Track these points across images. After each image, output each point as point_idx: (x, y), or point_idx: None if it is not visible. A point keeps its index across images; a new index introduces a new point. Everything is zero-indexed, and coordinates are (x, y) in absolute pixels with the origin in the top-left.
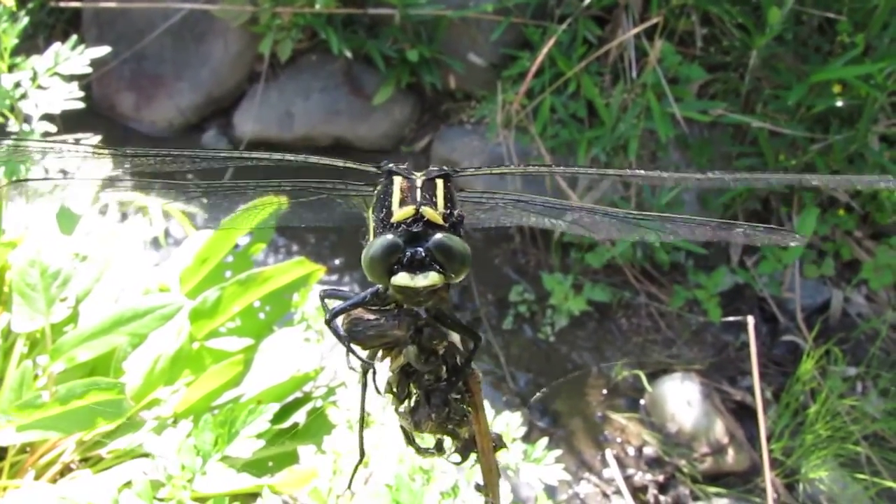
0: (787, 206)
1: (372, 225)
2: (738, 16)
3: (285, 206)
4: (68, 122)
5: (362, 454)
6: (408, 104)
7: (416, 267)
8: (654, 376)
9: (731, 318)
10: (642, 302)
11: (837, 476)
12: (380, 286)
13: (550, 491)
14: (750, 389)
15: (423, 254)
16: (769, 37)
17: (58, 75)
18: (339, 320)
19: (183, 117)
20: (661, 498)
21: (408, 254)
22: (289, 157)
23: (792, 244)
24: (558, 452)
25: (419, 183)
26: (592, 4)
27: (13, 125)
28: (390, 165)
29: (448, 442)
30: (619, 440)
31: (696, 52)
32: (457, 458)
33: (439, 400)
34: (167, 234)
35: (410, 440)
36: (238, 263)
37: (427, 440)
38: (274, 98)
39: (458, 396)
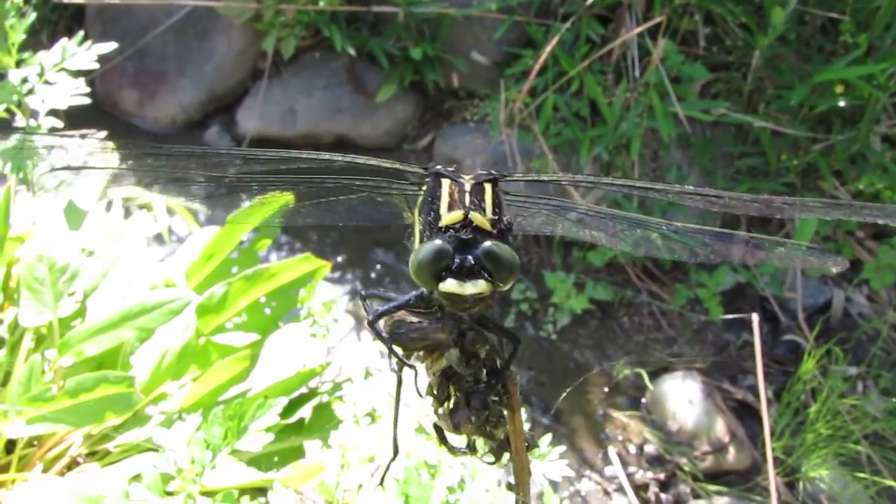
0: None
1: (418, 227)
2: (741, 15)
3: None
4: (72, 119)
5: (396, 451)
6: (411, 102)
7: (464, 274)
8: (655, 375)
9: (732, 317)
10: (644, 300)
11: (838, 475)
12: (424, 290)
13: (553, 488)
14: (751, 388)
15: (472, 261)
16: (772, 37)
17: (65, 71)
18: (382, 322)
19: (186, 114)
20: (662, 496)
21: (457, 261)
22: (337, 157)
23: (834, 270)
24: (562, 448)
25: (468, 187)
26: (596, 3)
27: (20, 120)
28: (438, 167)
29: (480, 442)
30: (620, 438)
31: (698, 52)
32: (490, 458)
33: (479, 402)
34: (170, 230)
35: (444, 440)
36: (244, 259)
37: (460, 440)
38: (277, 95)
39: (496, 398)
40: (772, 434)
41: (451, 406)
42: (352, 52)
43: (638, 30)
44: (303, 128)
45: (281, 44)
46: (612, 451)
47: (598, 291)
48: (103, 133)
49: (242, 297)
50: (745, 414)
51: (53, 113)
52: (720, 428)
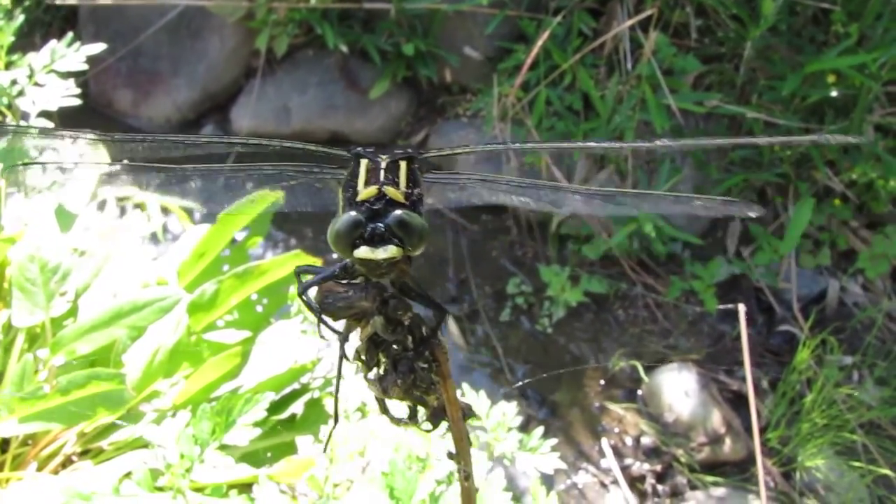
0: (782, 197)
1: (340, 204)
2: (732, 7)
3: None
4: (66, 120)
5: (336, 419)
6: (404, 98)
7: (376, 241)
8: (651, 367)
9: (727, 307)
10: (639, 293)
11: (833, 464)
12: (347, 261)
13: (547, 480)
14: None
15: (383, 228)
16: (763, 27)
17: (54, 72)
18: (312, 293)
19: (180, 113)
20: (659, 487)
21: (369, 229)
22: (263, 141)
23: (752, 215)
24: (554, 441)
25: (383, 165)
26: None
27: (10, 123)
28: (358, 149)
29: (421, 412)
30: (616, 430)
31: (690, 44)
32: (428, 426)
33: (406, 368)
34: (165, 229)
35: (385, 409)
36: (235, 257)
37: (402, 410)
38: (270, 93)
39: (426, 366)
40: (768, 424)
41: (380, 372)
42: (344, 49)
43: (629, 22)
44: (297, 125)
45: (274, 42)
46: (606, 443)
47: (592, 284)
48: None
49: (234, 295)
50: (741, 405)
51: (46, 114)
52: (716, 419)
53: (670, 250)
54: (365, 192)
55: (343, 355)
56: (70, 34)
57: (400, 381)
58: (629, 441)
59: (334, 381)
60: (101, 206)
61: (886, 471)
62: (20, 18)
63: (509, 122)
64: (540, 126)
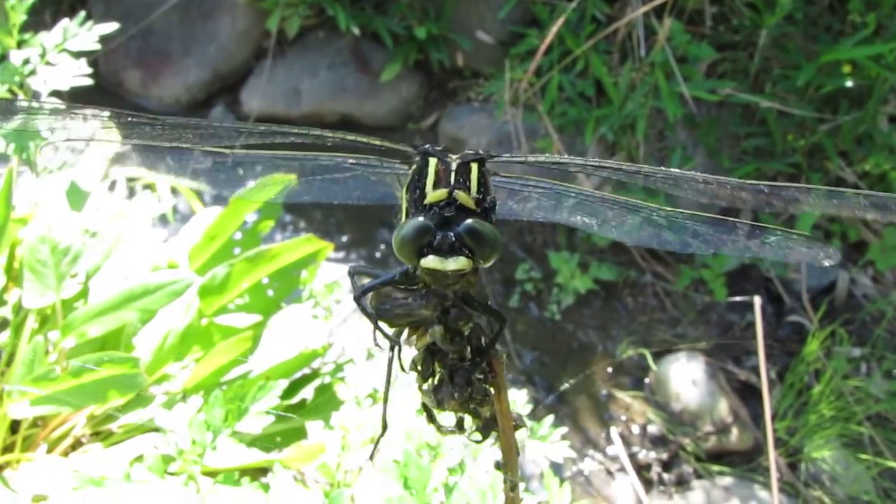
0: None
1: (405, 205)
2: None
3: (309, 181)
4: (76, 99)
5: (385, 427)
6: (415, 81)
7: (445, 251)
8: (659, 355)
9: (736, 298)
10: (648, 281)
11: (840, 456)
12: (409, 267)
13: (556, 468)
14: (754, 369)
15: (454, 238)
16: (779, 16)
17: (66, 52)
18: (368, 298)
19: (190, 94)
20: (665, 476)
21: (438, 237)
22: (328, 133)
23: (826, 263)
24: (564, 430)
25: (454, 166)
26: None
27: (22, 102)
28: (426, 146)
29: (469, 421)
30: (623, 418)
31: (705, 31)
32: (477, 437)
33: (462, 379)
34: (175, 211)
35: (432, 418)
36: (246, 240)
37: (449, 419)
38: (281, 75)
39: (482, 377)
40: (775, 415)
41: (435, 382)
42: (356, 31)
43: (644, 9)
44: (307, 108)
45: (285, 23)
46: (614, 431)
47: (602, 272)
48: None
49: (244, 279)
50: (749, 395)
51: (56, 94)
52: (723, 409)
53: None
54: (434, 195)
55: (398, 364)
56: (82, 13)
57: (457, 393)
58: (636, 429)
59: (383, 389)
60: (112, 186)
61: (892, 463)
62: None
63: (521, 107)
64: (552, 112)
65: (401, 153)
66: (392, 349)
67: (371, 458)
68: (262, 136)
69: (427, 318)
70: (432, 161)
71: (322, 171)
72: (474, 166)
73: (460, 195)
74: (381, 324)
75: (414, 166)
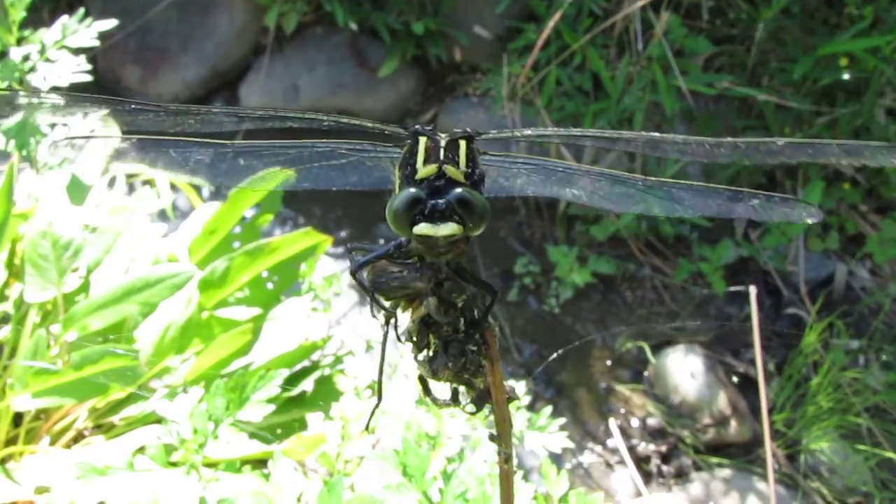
0: (792, 180)
1: (397, 182)
2: None
3: (306, 168)
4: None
5: (380, 398)
6: (413, 77)
7: (436, 217)
8: (657, 348)
9: (734, 289)
10: (647, 274)
11: (838, 447)
12: (403, 239)
13: (554, 459)
14: (753, 362)
15: (444, 205)
16: (776, 9)
17: (65, 48)
18: (364, 272)
19: (189, 90)
20: (664, 468)
21: (429, 205)
22: (321, 116)
23: (809, 221)
24: (562, 421)
25: (443, 143)
26: None
27: (23, 92)
28: (416, 126)
29: (463, 394)
30: (622, 411)
31: (702, 25)
32: (471, 408)
33: (456, 350)
34: (174, 206)
35: (428, 391)
36: (246, 234)
37: (444, 392)
38: (279, 71)
39: (475, 348)
40: (773, 407)
41: (430, 353)
42: (354, 26)
43: (641, 3)
44: (305, 103)
45: (283, 19)
46: (613, 423)
47: (600, 265)
48: (104, 111)
49: (244, 272)
50: (747, 387)
51: (56, 90)
52: (722, 401)
53: (678, 232)
54: (424, 170)
55: (393, 335)
56: (81, 10)
57: (451, 363)
58: (635, 422)
59: (378, 359)
60: (111, 182)
61: (890, 454)
62: None
63: (518, 101)
64: (550, 106)
65: (393, 135)
66: (388, 321)
67: (367, 427)
68: (262, 121)
69: (422, 291)
70: (422, 139)
71: (319, 157)
72: (462, 143)
73: (450, 169)
74: (378, 297)
75: (405, 147)
